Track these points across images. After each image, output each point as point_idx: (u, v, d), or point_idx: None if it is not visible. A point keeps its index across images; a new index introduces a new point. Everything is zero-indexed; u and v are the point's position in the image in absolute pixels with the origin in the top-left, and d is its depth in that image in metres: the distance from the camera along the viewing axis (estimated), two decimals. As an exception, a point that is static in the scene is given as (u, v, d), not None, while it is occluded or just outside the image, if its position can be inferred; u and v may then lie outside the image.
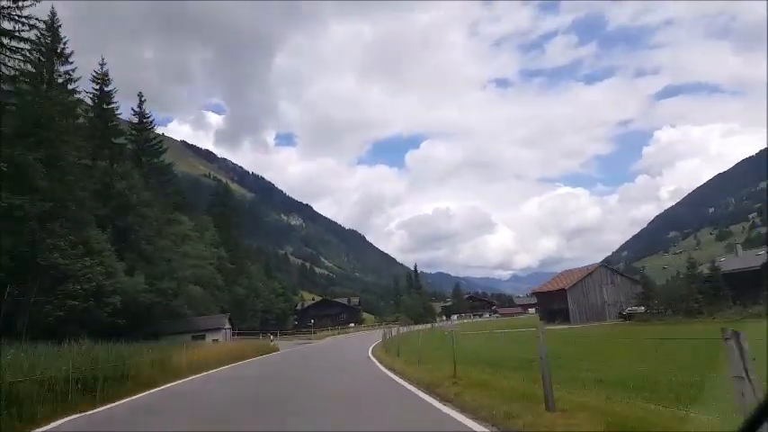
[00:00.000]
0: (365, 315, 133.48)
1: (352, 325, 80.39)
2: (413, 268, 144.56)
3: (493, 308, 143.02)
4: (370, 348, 30.40)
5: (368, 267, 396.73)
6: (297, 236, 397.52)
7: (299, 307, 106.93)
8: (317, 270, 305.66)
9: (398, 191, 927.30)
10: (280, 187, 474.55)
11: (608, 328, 47.00)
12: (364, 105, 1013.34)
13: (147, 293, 38.04)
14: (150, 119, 58.20)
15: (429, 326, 68.85)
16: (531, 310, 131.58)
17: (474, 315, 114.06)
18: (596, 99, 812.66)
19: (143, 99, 58.11)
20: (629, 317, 55.74)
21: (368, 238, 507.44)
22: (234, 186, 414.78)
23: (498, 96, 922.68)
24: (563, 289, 68.23)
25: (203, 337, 46.31)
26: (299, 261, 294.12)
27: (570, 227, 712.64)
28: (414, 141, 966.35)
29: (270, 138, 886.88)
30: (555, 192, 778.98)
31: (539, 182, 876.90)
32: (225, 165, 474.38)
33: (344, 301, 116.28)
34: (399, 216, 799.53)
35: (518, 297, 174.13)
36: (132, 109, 56.61)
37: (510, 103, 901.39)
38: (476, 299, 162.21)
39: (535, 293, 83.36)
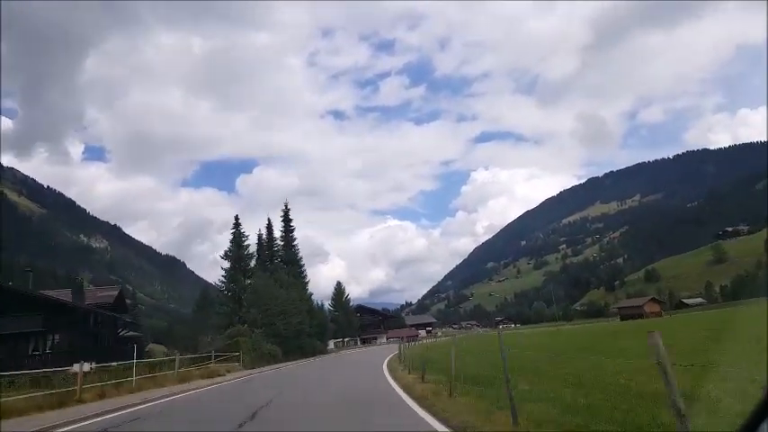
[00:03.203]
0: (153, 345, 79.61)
1: (91, 368, 16.36)
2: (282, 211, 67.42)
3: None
4: None
5: (187, 298, 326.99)
6: (99, 260, 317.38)
7: None
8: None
9: (228, 217, 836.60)
10: (83, 205, 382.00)
11: None
12: (192, 123, 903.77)
13: None
14: None
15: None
16: (423, 332, 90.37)
17: (364, 341, 70.06)
18: (423, 139, 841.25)
19: None
20: None
21: (189, 265, 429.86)
22: (21, 200, 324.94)
23: (335, 127, 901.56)
24: None
25: None
26: (93, 287, 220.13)
27: (399, 258, 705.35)
28: (246, 165, 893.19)
29: (75, 150, 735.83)
30: (385, 224, 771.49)
31: (370, 213, 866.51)
32: (11, 175, 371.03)
33: (65, 296, 35.23)
34: (228, 243, 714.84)
35: (407, 315, 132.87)
36: None
37: (346, 135, 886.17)
38: (367, 312, 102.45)
39: None
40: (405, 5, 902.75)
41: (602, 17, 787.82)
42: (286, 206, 67.24)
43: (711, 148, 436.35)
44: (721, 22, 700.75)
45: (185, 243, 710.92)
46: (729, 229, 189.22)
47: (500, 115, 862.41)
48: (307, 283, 65.75)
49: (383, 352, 45.25)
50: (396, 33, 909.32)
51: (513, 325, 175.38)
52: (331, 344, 71.68)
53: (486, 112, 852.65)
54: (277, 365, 36.00)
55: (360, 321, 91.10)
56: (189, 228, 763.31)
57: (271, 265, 60.51)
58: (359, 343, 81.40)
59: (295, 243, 65.89)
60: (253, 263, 57.27)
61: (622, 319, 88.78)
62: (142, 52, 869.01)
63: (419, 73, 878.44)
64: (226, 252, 55.90)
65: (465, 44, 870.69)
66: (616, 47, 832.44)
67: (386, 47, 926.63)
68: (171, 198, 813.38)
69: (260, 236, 63.73)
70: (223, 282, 55.17)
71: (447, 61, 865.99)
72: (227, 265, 54.83)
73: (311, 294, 66.66)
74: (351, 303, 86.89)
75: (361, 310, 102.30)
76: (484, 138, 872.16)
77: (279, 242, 64.83)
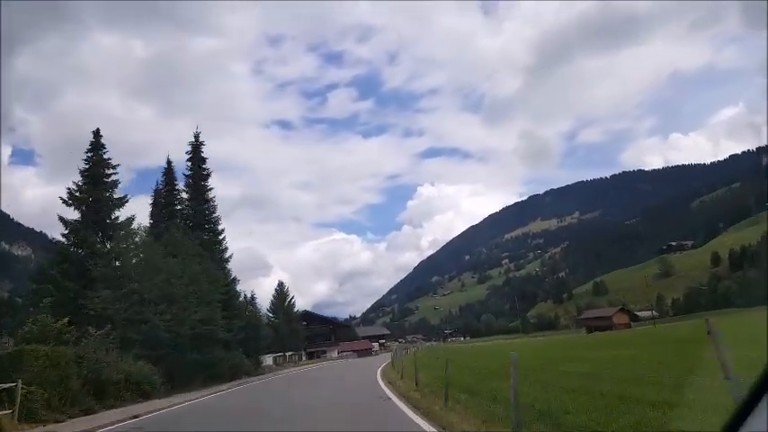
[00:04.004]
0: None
1: None
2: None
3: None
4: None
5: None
6: (22, 269, 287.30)
7: None
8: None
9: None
10: (6, 211, 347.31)
11: None
12: (130, 128, 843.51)
13: None
14: None
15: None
16: (376, 345, 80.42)
17: (311, 355, 58.35)
18: (370, 152, 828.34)
19: None
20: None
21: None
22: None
23: (281, 138, 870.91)
24: None
25: None
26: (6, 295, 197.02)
27: (343, 271, 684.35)
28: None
29: (1, 152, 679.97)
30: (330, 237, 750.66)
31: (315, 226, 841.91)
32: None
33: None
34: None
35: (358, 326, 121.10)
36: None
37: (292, 146, 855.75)
38: (315, 320, 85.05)
39: None
40: (355, 17, 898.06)
41: (546, 40, 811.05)
42: (196, 137, 42.24)
43: (646, 169, 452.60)
44: (657, 50, 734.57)
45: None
46: (673, 243, 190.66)
47: (447, 131, 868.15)
48: (227, 260, 41.71)
49: (355, 371, 32.40)
50: (345, 45, 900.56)
51: (462, 338, 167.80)
52: (269, 359, 57.15)
53: (433, 128, 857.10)
54: (132, 415, 15.82)
55: (306, 331, 75.07)
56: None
57: (169, 223, 36.97)
58: (304, 357, 68.63)
59: (211, 197, 41.70)
60: (122, 215, 30.39)
61: (589, 330, 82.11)
62: (80, 53, 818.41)
63: (368, 86, 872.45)
64: (71, 191, 29.20)
65: (414, 59, 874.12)
66: (558, 69, 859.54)
67: (334, 58, 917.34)
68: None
69: (157, 190, 40.40)
70: (62, 243, 29.18)
71: (396, 75, 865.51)
72: (74, 215, 29.09)
73: (233, 279, 41.97)
74: (295, 309, 70.12)
75: (309, 317, 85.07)
76: (430, 153, 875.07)
77: (183, 193, 40.78)
